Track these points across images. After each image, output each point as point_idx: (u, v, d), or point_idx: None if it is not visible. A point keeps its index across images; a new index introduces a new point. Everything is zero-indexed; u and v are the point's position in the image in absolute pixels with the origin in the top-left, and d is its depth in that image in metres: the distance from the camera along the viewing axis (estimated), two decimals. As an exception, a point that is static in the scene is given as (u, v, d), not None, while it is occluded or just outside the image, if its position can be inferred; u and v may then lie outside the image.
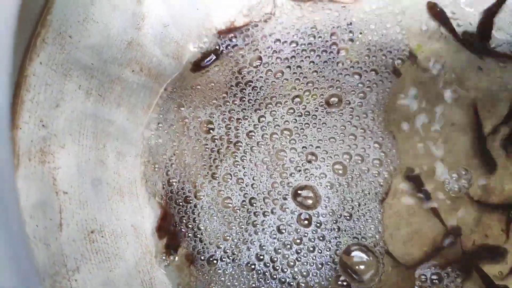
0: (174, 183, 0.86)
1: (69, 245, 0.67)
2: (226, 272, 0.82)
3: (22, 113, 0.63)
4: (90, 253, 0.70)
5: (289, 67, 0.92)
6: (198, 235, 0.84)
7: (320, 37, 0.93)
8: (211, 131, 0.89)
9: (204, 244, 0.83)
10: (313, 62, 0.92)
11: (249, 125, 0.89)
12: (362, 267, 0.79)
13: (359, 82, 0.90)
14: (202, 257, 0.83)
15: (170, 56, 0.90)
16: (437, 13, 0.92)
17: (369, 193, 0.84)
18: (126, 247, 0.77)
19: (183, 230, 0.84)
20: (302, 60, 0.92)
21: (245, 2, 0.95)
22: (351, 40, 0.92)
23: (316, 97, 0.90)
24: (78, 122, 0.74)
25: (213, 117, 0.90)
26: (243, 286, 0.81)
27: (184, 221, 0.84)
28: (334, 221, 0.83)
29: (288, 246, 0.82)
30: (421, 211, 0.84)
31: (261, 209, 0.85)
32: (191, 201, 0.86)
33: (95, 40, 0.75)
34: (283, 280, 0.81)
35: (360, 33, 0.92)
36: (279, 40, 0.93)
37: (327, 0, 0.94)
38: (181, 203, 0.85)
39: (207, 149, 0.88)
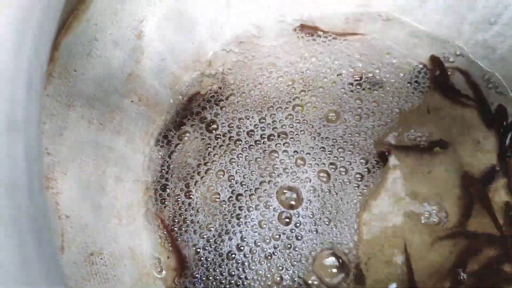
0: (169, 184, 0.93)
1: (70, 267, 0.71)
2: (208, 259, 0.87)
3: (29, 142, 0.68)
4: (90, 275, 0.74)
5: (302, 78, 1.01)
6: (183, 228, 0.89)
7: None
8: (213, 130, 0.97)
9: (189, 234, 0.89)
10: (326, 78, 1.01)
11: (250, 124, 0.97)
12: (333, 270, 0.84)
13: (358, 107, 0.98)
14: (187, 246, 0.88)
15: (167, 86, 0.96)
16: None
17: (347, 203, 0.90)
18: (124, 269, 0.80)
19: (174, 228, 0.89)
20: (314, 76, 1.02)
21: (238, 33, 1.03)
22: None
23: (316, 109, 0.98)
24: (80, 150, 0.78)
25: (217, 116, 0.98)
26: (223, 273, 0.86)
27: (175, 218, 0.90)
28: (313, 223, 0.88)
29: (267, 240, 0.87)
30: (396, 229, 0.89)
31: (246, 204, 0.91)
32: (180, 198, 0.92)
33: (97, 73, 0.81)
34: (260, 271, 0.85)
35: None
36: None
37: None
38: (175, 201, 0.92)
39: (208, 147, 0.96)
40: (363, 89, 0.99)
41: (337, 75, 1.01)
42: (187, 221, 0.90)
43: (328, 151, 0.94)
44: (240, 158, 0.95)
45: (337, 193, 0.90)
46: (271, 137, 0.96)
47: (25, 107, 0.39)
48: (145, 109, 0.92)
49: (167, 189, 0.92)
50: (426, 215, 0.88)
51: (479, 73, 1.00)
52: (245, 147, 0.96)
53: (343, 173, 0.92)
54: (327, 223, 0.88)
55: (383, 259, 0.86)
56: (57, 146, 0.73)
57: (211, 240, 0.88)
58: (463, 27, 1.01)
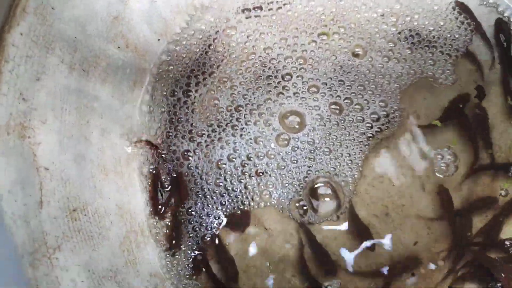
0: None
1: (50, 223, 0.65)
2: (198, 166, 0.84)
3: (0, 85, 0.61)
4: (72, 232, 0.68)
5: (335, 7, 0.94)
6: (177, 129, 0.86)
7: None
8: (230, 36, 0.92)
9: (177, 137, 0.86)
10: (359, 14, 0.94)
11: (269, 40, 0.92)
12: (326, 199, 0.83)
13: (389, 49, 0.91)
14: (175, 150, 0.85)
15: (158, 33, 0.88)
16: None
17: (354, 139, 0.85)
18: (110, 226, 0.75)
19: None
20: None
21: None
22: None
23: (343, 41, 0.91)
24: (61, 97, 0.71)
25: (239, 24, 0.93)
26: (210, 182, 0.83)
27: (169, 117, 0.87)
28: (312, 150, 0.85)
29: (261, 157, 0.85)
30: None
31: (245, 118, 0.87)
32: (177, 94, 0.88)
33: (79, 12, 0.73)
34: (249, 186, 0.83)
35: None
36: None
37: None
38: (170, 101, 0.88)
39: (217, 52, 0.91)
40: (399, 33, 0.91)
41: (372, 13, 0.93)
42: (181, 121, 0.87)
43: (347, 85, 0.89)
44: (249, 72, 0.90)
45: (345, 128, 0.86)
46: (288, 59, 0.91)
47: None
48: (134, 56, 0.84)
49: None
50: (437, 167, 0.84)
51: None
52: (257, 62, 0.90)
53: (358, 110, 0.87)
54: (327, 153, 0.85)
55: (379, 207, 0.82)
56: (33, 92, 0.66)
57: (202, 145, 0.85)
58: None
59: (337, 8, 0.93)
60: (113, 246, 0.74)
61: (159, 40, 0.88)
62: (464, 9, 0.92)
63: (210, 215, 0.82)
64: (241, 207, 0.82)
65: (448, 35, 0.91)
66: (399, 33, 0.91)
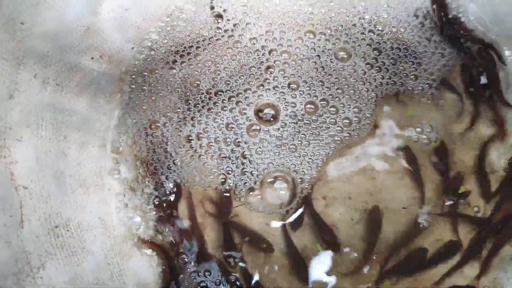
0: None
1: (32, 241, 0.65)
2: (164, 135, 0.87)
3: (-29, 105, 0.60)
4: (55, 249, 0.68)
5: (324, 7, 0.95)
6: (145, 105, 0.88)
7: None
8: (219, 19, 0.93)
9: (153, 111, 0.88)
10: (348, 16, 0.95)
11: (255, 32, 0.93)
12: (281, 192, 0.85)
13: (373, 57, 0.92)
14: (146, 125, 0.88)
15: (131, 41, 0.87)
16: None
17: (322, 141, 0.87)
18: (94, 240, 0.74)
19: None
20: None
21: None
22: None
23: (328, 42, 0.92)
24: (36, 114, 0.70)
25: (226, 12, 0.94)
26: (170, 152, 0.86)
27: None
28: (278, 145, 0.87)
29: (228, 142, 0.87)
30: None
31: (223, 103, 0.89)
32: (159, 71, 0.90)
33: (50, 26, 0.72)
34: (208, 166, 0.86)
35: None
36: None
37: None
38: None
39: (203, 34, 0.93)
40: (384, 42, 0.92)
41: (359, 18, 0.94)
42: (160, 93, 0.89)
43: (326, 86, 0.90)
44: (234, 60, 0.91)
45: (316, 128, 0.88)
46: (272, 52, 0.92)
47: None
48: (108, 67, 0.83)
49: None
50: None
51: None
52: (242, 51, 0.92)
53: (332, 112, 0.89)
54: (292, 150, 0.87)
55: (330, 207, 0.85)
56: (6, 110, 0.65)
57: (173, 120, 0.88)
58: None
59: (326, 9, 0.94)
60: (98, 259, 0.74)
61: (133, 48, 0.88)
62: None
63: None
64: (189, 184, 0.85)
65: (433, 54, 0.92)
66: (385, 42, 0.92)
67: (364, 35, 0.93)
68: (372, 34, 0.93)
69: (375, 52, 0.92)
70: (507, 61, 0.90)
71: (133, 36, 0.87)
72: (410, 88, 0.90)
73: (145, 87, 0.89)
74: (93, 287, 0.70)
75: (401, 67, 0.91)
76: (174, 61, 0.90)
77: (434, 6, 0.93)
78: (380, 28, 0.93)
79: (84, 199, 0.76)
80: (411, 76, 0.91)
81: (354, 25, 0.93)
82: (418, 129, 0.88)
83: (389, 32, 0.93)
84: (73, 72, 0.77)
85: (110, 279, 0.74)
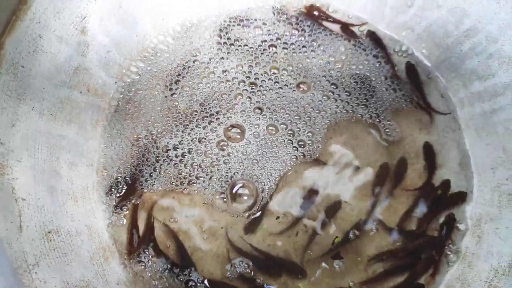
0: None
1: (29, 243, 0.79)
2: (150, 150, 1.02)
3: (-18, 134, 0.75)
4: (48, 250, 0.82)
5: (286, 48, 1.13)
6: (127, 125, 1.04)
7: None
8: (196, 56, 1.11)
9: (135, 124, 1.04)
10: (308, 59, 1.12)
11: (227, 65, 1.10)
12: (244, 198, 1.00)
13: (330, 90, 1.08)
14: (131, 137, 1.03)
15: (114, 77, 1.03)
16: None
17: (279, 158, 1.03)
18: (81, 244, 0.88)
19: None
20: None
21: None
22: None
23: (290, 77, 1.09)
24: (33, 139, 0.86)
25: (202, 48, 1.12)
26: (149, 159, 1.01)
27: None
28: (243, 159, 1.02)
29: (199, 153, 1.02)
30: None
31: (197, 121, 1.05)
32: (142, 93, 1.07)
33: (45, 68, 0.88)
34: (182, 172, 1.00)
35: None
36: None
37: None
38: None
39: (184, 67, 1.10)
40: (343, 78, 1.09)
41: (319, 59, 1.10)
42: (143, 109, 1.05)
43: (286, 113, 1.06)
44: (208, 87, 1.08)
45: (276, 146, 1.03)
46: (241, 82, 1.08)
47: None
48: (94, 99, 0.99)
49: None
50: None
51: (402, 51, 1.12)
52: (215, 80, 1.08)
53: (290, 134, 1.05)
54: (255, 163, 1.02)
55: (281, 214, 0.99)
56: (9, 137, 0.81)
57: (153, 133, 1.03)
58: (385, 10, 1.11)
59: (288, 50, 1.11)
60: (84, 261, 0.88)
61: (116, 82, 1.04)
62: (375, 40, 1.11)
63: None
64: (170, 188, 1.00)
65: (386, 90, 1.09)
66: (344, 77, 1.08)
67: (324, 73, 1.09)
68: (332, 72, 1.09)
69: (332, 86, 1.08)
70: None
71: (115, 72, 1.03)
72: (359, 115, 1.06)
73: (128, 110, 1.04)
74: (79, 284, 0.84)
75: (355, 98, 1.07)
76: (156, 85, 1.07)
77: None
78: (339, 65, 1.10)
79: (73, 210, 0.91)
80: (362, 106, 1.07)
81: (315, 66, 1.10)
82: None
83: (347, 69, 1.10)
84: (65, 104, 0.92)
85: (95, 277, 0.87)
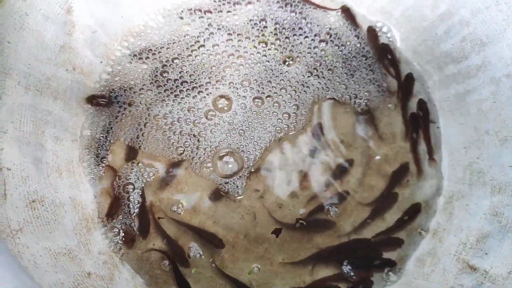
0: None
1: (13, 210, 0.82)
2: (135, 114, 1.07)
3: (-32, 104, 0.79)
4: (32, 218, 0.86)
5: (276, 23, 1.17)
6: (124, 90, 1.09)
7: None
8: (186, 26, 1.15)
9: (124, 98, 1.08)
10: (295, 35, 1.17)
11: (217, 39, 1.15)
12: (229, 166, 1.05)
13: (314, 67, 1.12)
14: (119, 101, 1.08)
15: (100, 56, 1.07)
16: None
17: (265, 129, 1.07)
18: (65, 214, 0.92)
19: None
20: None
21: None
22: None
23: (276, 51, 1.14)
24: (18, 112, 0.89)
25: (193, 23, 1.16)
26: (140, 127, 1.06)
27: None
28: (230, 128, 1.07)
29: (188, 122, 1.07)
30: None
31: (187, 91, 1.09)
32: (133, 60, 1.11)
33: (31, 44, 0.91)
34: (171, 140, 1.05)
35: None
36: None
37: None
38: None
39: (174, 39, 1.14)
40: (326, 56, 1.13)
41: (305, 36, 1.14)
42: (132, 82, 1.09)
43: (273, 86, 1.11)
44: (197, 58, 1.12)
45: (261, 118, 1.08)
46: (231, 56, 1.13)
47: None
48: (80, 77, 1.03)
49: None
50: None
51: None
52: (205, 53, 1.13)
53: (276, 106, 1.09)
54: (241, 133, 1.06)
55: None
56: (-5, 109, 0.84)
57: (147, 102, 1.08)
58: (364, -5, 1.15)
59: (278, 26, 1.15)
60: (67, 230, 0.91)
61: (101, 62, 1.07)
62: (349, 16, 1.15)
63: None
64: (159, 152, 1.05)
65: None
66: (327, 57, 1.12)
67: (310, 48, 1.13)
68: (317, 50, 1.13)
69: (316, 63, 1.12)
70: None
71: (101, 53, 1.07)
72: (340, 94, 1.10)
73: (115, 84, 1.08)
74: (62, 251, 0.87)
75: (337, 77, 1.11)
76: (147, 57, 1.11)
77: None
78: (324, 45, 1.14)
79: (57, 182, 0.94)
80: (343, 86, 1.10)
81: (301, 43, 1.14)
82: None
83: (331, 47, 1.13)
84: (51, 80, 0.96)
85: (77, 245, 0.91)
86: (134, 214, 1.00)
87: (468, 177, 1.00)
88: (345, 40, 1.14)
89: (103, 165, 1.03)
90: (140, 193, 1.01)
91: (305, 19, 1.16)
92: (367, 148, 1.06)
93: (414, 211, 1.01)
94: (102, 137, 1.05)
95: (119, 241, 0.98)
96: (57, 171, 0.95)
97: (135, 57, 1.10)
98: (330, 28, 1.15)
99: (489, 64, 0.97)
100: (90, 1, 1.00)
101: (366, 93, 1.10)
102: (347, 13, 1.15)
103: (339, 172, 1.04)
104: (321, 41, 1.14)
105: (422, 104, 1.09)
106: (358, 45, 1.14)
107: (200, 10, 1.15)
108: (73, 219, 0.94)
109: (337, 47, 1.13)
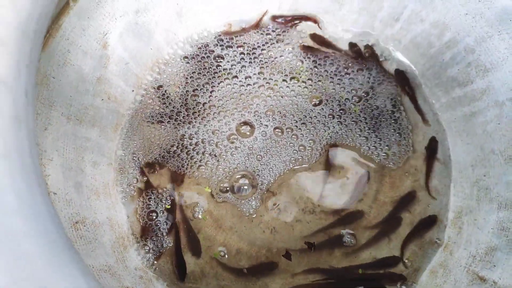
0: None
1: (60, 231, 0.90)
2: (166, 131, 1.16)
3: (21, 136, 0.87)
4: (76, 238, 0.94)
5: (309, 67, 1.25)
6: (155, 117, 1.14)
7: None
8: (220, 61, 1.24)
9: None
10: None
11: (250, 72, 1.23)
12: (244, 187, 1.12)
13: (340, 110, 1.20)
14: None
15: (132, 86, 1.15)
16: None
17: (281, 158, 1.15)
18: (103, 234, 1.00)
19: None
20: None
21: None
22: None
23: (306, 89, 1.21)
24: (62, 140, 0.97)
25: (226, 52, 1.25)
26: (167, 145, 1.15)
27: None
28: (249, 154, 1.15)
29: (211, 143, 1.16)
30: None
31: (213, 115, 1.19)
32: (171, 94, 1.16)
33: (72, 78, 1.00)
34: (194, 159, 1.14)
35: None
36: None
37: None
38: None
39: (211, 69, 1.23)
40: (354, 110, 1.19)
41: (336, 84, 1.22)
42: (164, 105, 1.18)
43: (294, 119, 1.19)
44: (228, 87, 1.21)
45: (279, 147, 1.16)
46: (261, 87, 1.21)
47: (25, 108, 0.58)
48: (114, 106, 1.11)
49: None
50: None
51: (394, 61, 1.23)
52: (237, 83, 1.21)
53: (294, 138, 1.17)
54: (259, 159, 1.15)
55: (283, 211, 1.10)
56: (43, 139, 0.92)
57: (175, 122, 1.17)
58: (375, 24, 1.23)
59: (313, 67, 1.23)
60: (106, 248, 0.99)
61: (133, 91, 1.16)
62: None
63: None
64: (180, 169, 1.13)
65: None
66: (355, 110, 1.19)
67: (339, 96, 1.20)
68: (347, 97, 1.20)
69: (341, 111, 1.19)
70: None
71: (133, 82, 1.16)
72: (358, 143, 1.17)
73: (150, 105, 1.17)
74: (103, 268, 0.95)
75: (358, 129, 1.18)
76: (178, 83, 1.20)
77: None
78: (356, 99, 1.21)
79: (96, 204, 1.02)
80: (363, 138, 1.17)
81: (334, 89, 1.21)
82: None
83: (363, 104, 1.20)
84: (88, 109, 1.04)
85: (115, 262, 0.99)
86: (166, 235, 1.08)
87: (475, 193, 1.07)
88: (379, 103, 1.20)
89: (134, 185, 1.11)
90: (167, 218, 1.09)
91: (347, 70, 1.23)
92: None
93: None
94: (135, 157, 1.13)
95: (151, 257, 1.05)
96: (96, 193, 1.03)
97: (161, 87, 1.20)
98: (366, 86, 1.22)
99: (493, 88, 1.04)
100: (124, 36, 1.08)
101: (386, 147, 1.17)
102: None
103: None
104: (355, 96, 1.21)
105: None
106: (391, 108, 1.20)
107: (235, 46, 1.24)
108: (110, 238, 1.01)
109: (369, 105, 1.20)
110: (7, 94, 0.56)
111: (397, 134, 1.17)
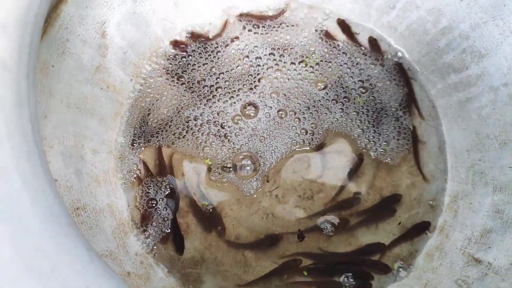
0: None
1: (61, 217, 0.92)
2: (172, 123, 1.17)
3: (22, 123, 0.88)
4: (77, 224, 0.95)
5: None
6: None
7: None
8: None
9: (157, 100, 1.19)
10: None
11: (261, 52, 1.24)
12: (247, 168, 1.14)
13: (345, 96, 1.20)
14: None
15: (130, 74, 1.16)
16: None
17: (284, 139, 1.16)
18: (104, 220, 1.01)
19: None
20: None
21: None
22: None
23: (313, 74, 1.22)
24: (62, 128, 0.99)
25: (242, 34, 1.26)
26: (171, 127, 1.17)
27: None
28: (252, 134, 1.16)
29: (216, 123, 1.17)
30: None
31: (219, 96, 1.20)
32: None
33: (71, 66, 1.01)
34: (199, 139, 1.15)
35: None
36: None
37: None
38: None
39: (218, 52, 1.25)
40: (358, 100, 1.20)
41: (345, 70, 1.22)
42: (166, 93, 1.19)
43: (297, 102, 1.20)
44: (238, 68, 1.22)
45: (282, 129, 1.18)
46: (269, 69, 1.23)
47: (27, 91, 0.60)
48: (113, 94, 1.12)
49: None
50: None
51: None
52: (246, 64, 1.23)
53: (296, 121, 1.18)
54: (262, 140, 1.16)
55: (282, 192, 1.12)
56: (43, 126, 0.94)
57: (179, 106, 1.18)
58: (371, 12, 1.24)
59: (324, 54, 1.24)
60: (107, 234, 1.00)
61: (131, 80, 1.17)
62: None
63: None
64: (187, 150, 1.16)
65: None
66: (358, 101, 1.19)
67: (345, 81, 1.21)
68: (350, 83, 1.21)
69: (345, 98, 1.20)
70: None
71: (131, 71, 1.17)
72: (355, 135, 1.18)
73: (148, 94, 1.18)
74: (104, 253, 0.96)
75: (358, 120, 1.18)
76: (182, 74, 1.21)
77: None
78: (362, 90, 1.21)
79: (96, 191, 1.04)
80: (360, 130, 1.18)
81: (341, 76, 1.22)
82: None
83: (369, 95, 1.21)
84: (88, 98, 1.06)
85: (116, 248, 1.00)
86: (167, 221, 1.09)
87: (471, 178, 1.09)
88: (384, 99, 1.20)
89: (134, 171, 1.12)
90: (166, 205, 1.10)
91: (356, 60, 1.23)
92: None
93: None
94: (135, 143, 1.14)
95: (150, 243, 1.07)
96: (96, 180, 1.05)
97: (171, 72, 1.21)
98: (376, 79, 1.22)
99: (488, 74, 1.06)
100: (122, 25, 1.09)
101: (384, 143, 1.17)
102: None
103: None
104: (361, 87, 1.21)
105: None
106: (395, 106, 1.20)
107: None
108: (111, 223, 1.03)
109: (373, 98, 1.21)
110: (9, 76, 0.58)
111: (396, 132, 1.18)
